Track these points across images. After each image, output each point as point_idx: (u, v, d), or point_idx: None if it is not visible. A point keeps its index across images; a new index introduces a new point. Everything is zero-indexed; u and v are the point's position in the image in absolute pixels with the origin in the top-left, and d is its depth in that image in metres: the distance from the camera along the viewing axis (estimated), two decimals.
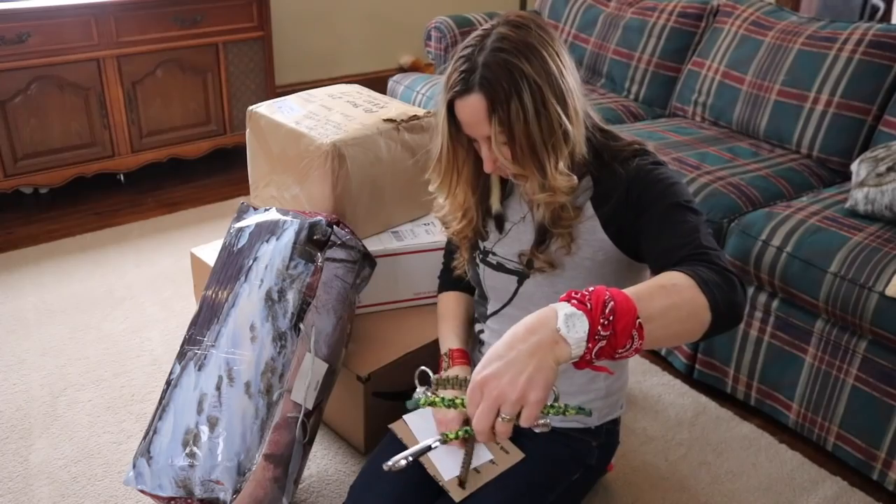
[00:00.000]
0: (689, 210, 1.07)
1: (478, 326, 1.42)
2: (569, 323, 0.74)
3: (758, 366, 1.80)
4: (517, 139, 1.09)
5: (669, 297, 0.83)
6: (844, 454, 1.67)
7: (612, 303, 0.76)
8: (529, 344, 0.74)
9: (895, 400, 1.55)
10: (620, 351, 0.76)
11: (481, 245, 1.33)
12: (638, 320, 0.76)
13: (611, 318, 0.75)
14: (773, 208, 1.81)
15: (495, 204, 1.28)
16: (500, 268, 1.30)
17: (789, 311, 1.72)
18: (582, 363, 0.77)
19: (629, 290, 0.80)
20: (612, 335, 0.75)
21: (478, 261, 1.35)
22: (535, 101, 1.08)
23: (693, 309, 0.84)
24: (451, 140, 1.18)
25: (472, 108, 1.09)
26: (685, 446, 1.73)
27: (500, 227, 1.30)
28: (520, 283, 1.28)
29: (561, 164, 1.12)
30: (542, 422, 0.77)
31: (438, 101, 1.17)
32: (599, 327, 0.74)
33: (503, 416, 0.74)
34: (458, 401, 0.89)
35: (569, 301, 0.77)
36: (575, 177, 1.14)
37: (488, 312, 1.37)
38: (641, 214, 1.10)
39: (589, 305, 0.76)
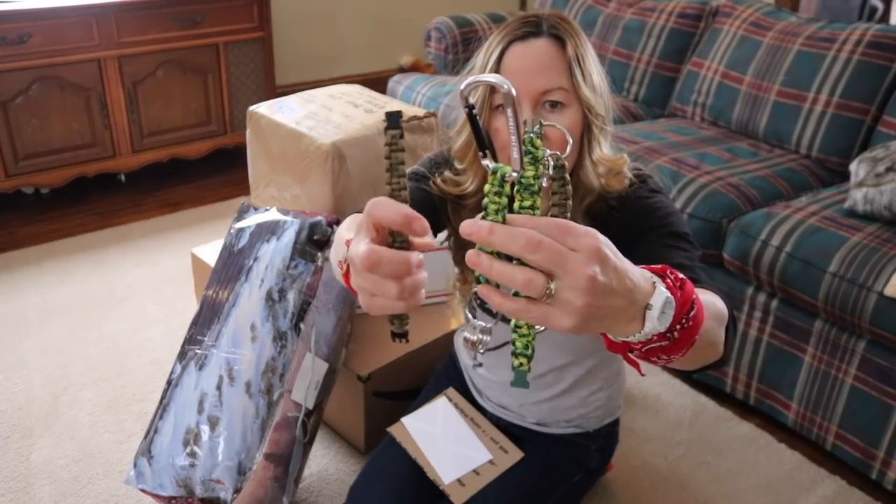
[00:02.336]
0: (687, 242, 0.99)
1: (470, 360, 1.40)
2: (663, 311, 0.57)
3: (757, 365, 1.80)
4: (582, 100, 1.00)
5: (717, 322, 0.72)
6: (843, 453, 1.67)
7: (694, 310, 0.60)
8: (627, 300, 0.55)
9: (894, 399, 1.56)
10: (664, 357, 0.61)
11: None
12: (695, 339, 0.62)
13: (689, 324, 0.60)
14: (773, 208, 1.82)
15: None
16: (501, 316, 1.26)
17: (788, 311, 1.72)
18: (622, 347, 0.61)
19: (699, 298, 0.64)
20: (675, 342, 0.59)
21: (475, 304, 1.30)
22: (599, 70, 1.02)
23: (717, 344, 0.73)
24: (490, 95, 1.02)
25: (543, 51, 0.99)
26: (684, 446, 1.74)
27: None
28: None
29: (604, 149, 1.03)
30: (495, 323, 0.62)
31: (480, 55, 1.04)
32: (677, 328, 0.59)
33: (547, 289, 0.51)
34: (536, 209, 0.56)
35: (664, 280, 0.59)
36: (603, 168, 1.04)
37: (487, 346, 1.33)
38: (636, 241, 1.01)
39: (677, 298, 0.60)
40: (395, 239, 0.58)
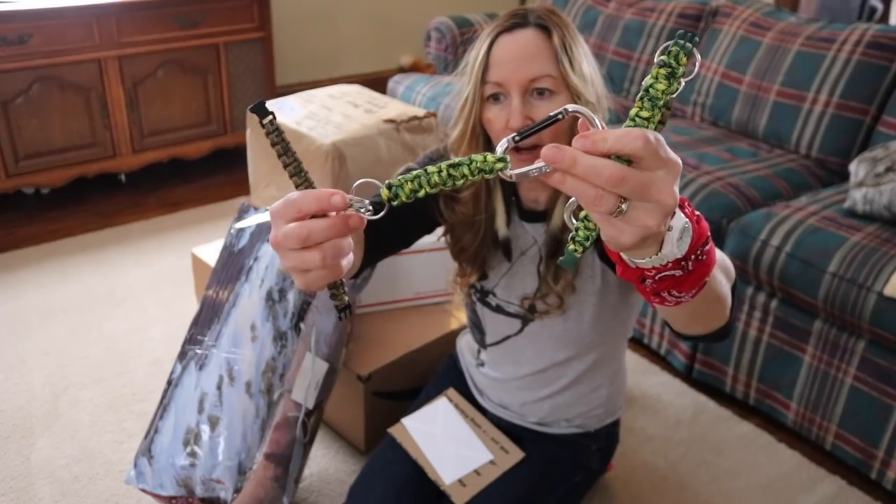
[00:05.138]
0: None
1: (473, 360, 1.40)
2: (682, 235, 0.56)
3: (757, 365, 1.80)
4: (571, 87, 1.01)
5: (726, 276, 0.74)
6: (843, 453, 1.67)
7: (708, 245, 0.61)
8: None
9: (893, 399, 1.56)
10: (675, 294, 0.61)
11: (478, 285, 1.26)
12: (707, 279, 0.62)
13: (702, 258, 0.60)
14: (772, 208, 1.82)
15: (501, 229, 1.18)
16: (499, 310, 1.26)
17: (788, 311, 1.72)
18: (635, 273, 0.60)
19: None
20: (688, 275, 0.59)
21: (475, 299, 1.29)
22: (590, 60, 1.04)
23: (724, 300, 0.74)
24: (480, 85, 1.04)
25: (529, 41, 1.01)
26: (684, 446, 1.74)
27: (507, 254, 1.21)
28: (523, 325, 1.25)
29: None
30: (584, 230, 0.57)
31: (471, 50, 1.07)
32: (692, 258, 0.59)
33: (619, 206, 0.51)
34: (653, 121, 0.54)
35: (682, 209, 0.57)
36: None
37: (488, 342, 1.33)
38: None
39: (694, 226, 0.60)
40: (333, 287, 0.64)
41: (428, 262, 1.74)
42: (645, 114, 0.52)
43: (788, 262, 1.67)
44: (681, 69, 0.52)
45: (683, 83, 0.53)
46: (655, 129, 0.54)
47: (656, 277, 0.59)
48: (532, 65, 1.01)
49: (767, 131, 2.27)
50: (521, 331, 1.26)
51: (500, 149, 0.55)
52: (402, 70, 4.03)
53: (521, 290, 1.22)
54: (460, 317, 1.76)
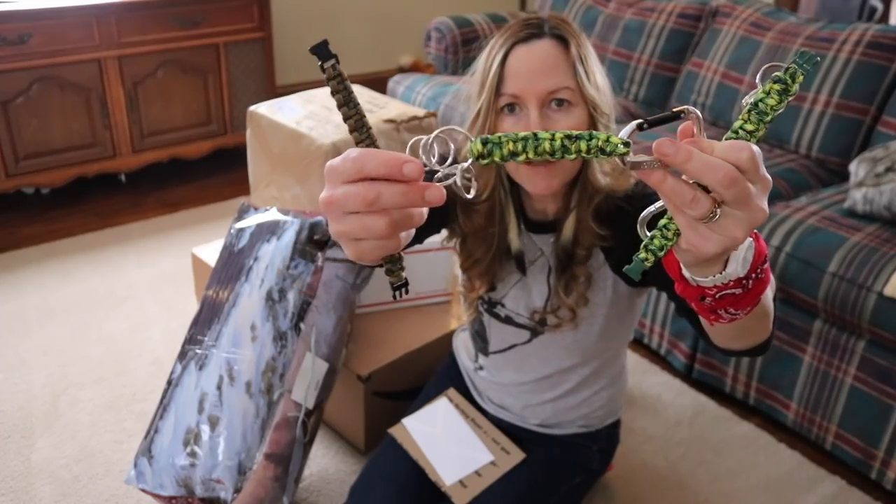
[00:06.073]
0: None
1: (471, 363, 1.40)
2: (746, 255, 0.57)
3: (756, 365, 1.80)
4: (588, 98, 1.00)
5: (772, 291, 0.74)
6: (843, 453, 1.67)
7: (766, 263, 0.61)
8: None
9: (893, 399, 1.56)
10: (731, 311, 0.61)
11: (486, 296, 1.24)
12: (762, 296, 0.62)
13: (761, 276, 0.60)
14: (772, 208, 1.82)
15: (514, 241, 1.16)
16: (508, 321, 1.24)
17: (788, 311, 1.72)
18: (695, 292, 0.60)
19: None
20: (746, 293, 0.60)
21: (482, 310, 1.27)
22: (601, 70, 1.03)
23: (770, 316, 0.75)
24: (495, 96, 1.01)
25: (546, 52, 1.00)
26: (684, 445, 1.74)
27: (521, 267, 1.19)
28: (532, 336, 1.23)
29: None
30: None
31: (482, 59, 1.04)
32: (752, 276, 0.59)
33: (712, 210, 0.51)
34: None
35: None
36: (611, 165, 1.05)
37: (491, 350, 1.31)
38: None
39: (756, 246, 0.60)
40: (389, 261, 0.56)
41: (428, 262, 1.74)
42: (750, 127, 0.53)
43: (788, 262, 1.67)
44: (794, 87, 0.52)
45: (787, 102, 0.53)
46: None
47: (717, 296, 0.59)
48: (550, 77, 0.99)
49: (767, 131, 2.27)
50: (529, 341, 1.24)
51: (625, 132, 0.53)
52: (402, 70, 4.03)
53: (531, 302, 1.20)
54: (460, 318, 1.76)
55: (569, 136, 0.50)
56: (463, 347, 1.43)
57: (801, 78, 0.52)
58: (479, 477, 1.25)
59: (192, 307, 2.16)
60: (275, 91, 3.05)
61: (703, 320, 0.70)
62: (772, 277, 0.74)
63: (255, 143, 1.89)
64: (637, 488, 1.61)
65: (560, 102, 1.00)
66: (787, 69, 0.52)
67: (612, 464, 1.53)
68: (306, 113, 1.80)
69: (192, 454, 1.33)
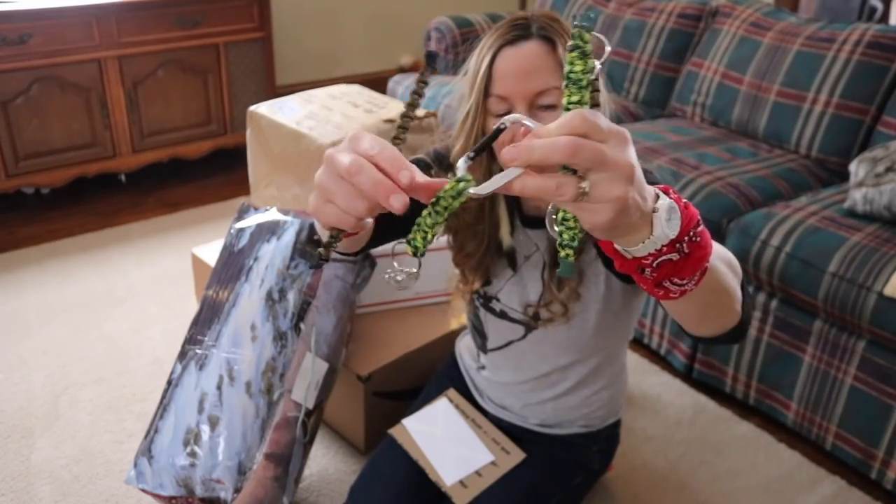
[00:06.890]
0: None
1: (473, 363, 1.40)
2: (670, 215, 0.58)
3: (757, 365, 1.80)
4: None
5: (730, 268, 0.73)
6: (843, 453, 1.67)
7: (701, 227, 0.61)
8: (642, 197, 0.55)
9: (893, 399, 1.56)
10: (677, 281, 0.61)
11: (482, 290, 1.25)
12: (706, 263, 0.62)
13: (696, 239, 0.60)
14: (772, 208, 1.82)
15: (506, 238, 1.17)
16: (503, 316, 1.25)
17: (788, 311, 1.72)
18: (633, 265, 0.60)
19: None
20: (685, 258, 0.60)
21: (478, 304, 1.28)
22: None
23: (733, 293, 0.74)
24: (484, 97, 1.03)
25: (534, 53, 1.00)
26: (684, 446, 1.74)
27: (512, 264, 1.20)
28: (527, 332, 1.24)
29: None
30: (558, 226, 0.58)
31: (472, 59, 1.05)
32: (685, 239, 0.59)
33: (582, 184, 0.52)
34: None
35: (667, 195, 0.60)
36: None
37: (490, 347, 1.32)
38: None
39: (681, 207, 0.61)
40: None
41: (428, 262, 1.74)
42: (575, 98, 0.54)
43: (788, 262, 1.67)
44: (588, 46, 0.54)
45: (599, 64, 0.55)
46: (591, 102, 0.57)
47: (654, 264, 0.59)
48: (537, 78, 1.00)
49: (767, 131, 2.27)
50: (524, 336, 1.25)
51: (459, 170, 0.56)
52: (402, 70, 4.03)
53: (525, 297, 1.21)
54: (460, 317, 1.76)
55: (433, 203, 0.55)
56: (466, 349, 1.44)
57: (589, 35, 0.54)
58: (480, 477, 1.25)
59: (192, 307, 2.16)
60: (275, 91, 3.05)
61: (664, 303, 0.69)
62: (731, 258, 0.74)
63: (255, 143, 1.89)
64: (637, 488, 1.61)
65: (548, 105, 1.01)
66: (573, 35, 0.54)
67: (612, 464, 1.52)
68: (306, 113, 1.80)
69: (192, 454, 1.33)
